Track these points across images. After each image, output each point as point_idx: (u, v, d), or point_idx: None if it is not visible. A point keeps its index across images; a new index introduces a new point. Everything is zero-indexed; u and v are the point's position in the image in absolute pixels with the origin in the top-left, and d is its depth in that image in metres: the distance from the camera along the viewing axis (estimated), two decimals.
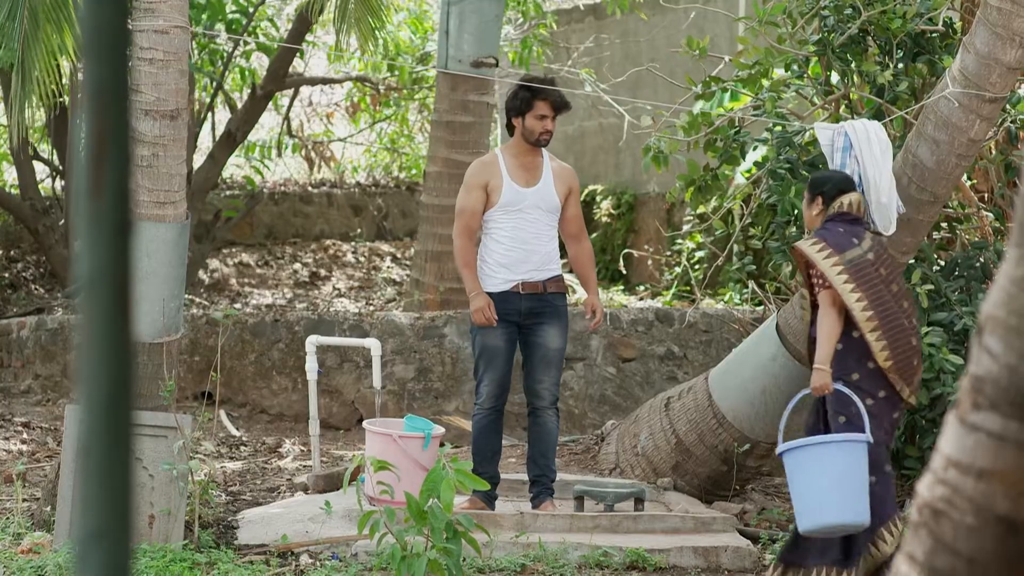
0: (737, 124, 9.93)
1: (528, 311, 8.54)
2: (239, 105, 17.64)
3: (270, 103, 17.14)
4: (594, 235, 16.90)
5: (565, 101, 8.62)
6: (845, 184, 7.97)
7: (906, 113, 9.11)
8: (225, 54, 16.93)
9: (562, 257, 9.07)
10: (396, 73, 18.17)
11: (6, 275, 16.10)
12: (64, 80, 9.75)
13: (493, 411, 8.61)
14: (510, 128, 8.66)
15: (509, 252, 8.53)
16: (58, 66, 9.30)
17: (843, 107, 9.77)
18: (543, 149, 8.66)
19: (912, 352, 7.75)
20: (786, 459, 7.57)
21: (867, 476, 7.48)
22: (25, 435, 11.18)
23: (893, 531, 7.70)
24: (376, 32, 11.75)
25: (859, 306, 7.63)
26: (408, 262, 17.37)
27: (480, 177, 8.57)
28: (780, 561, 7.75)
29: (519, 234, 8.53)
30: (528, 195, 8.52)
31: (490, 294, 8.53)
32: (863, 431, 7.55)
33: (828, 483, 7.39)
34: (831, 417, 7.74)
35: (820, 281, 7.69)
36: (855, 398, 7.60)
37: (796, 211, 9.24)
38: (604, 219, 17.40)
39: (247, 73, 17.83)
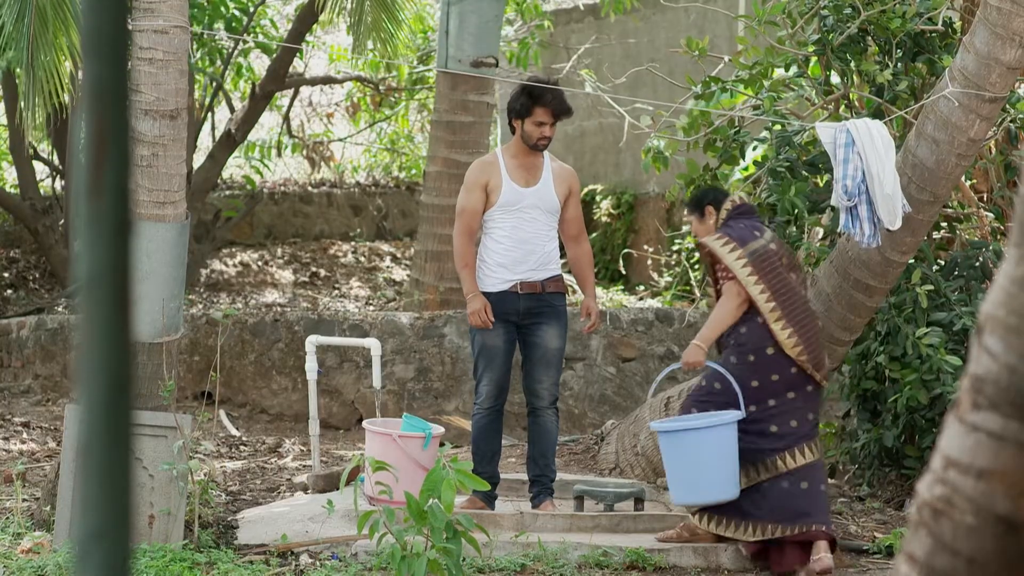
0: (737, 124, 9.93)
1: (526, 311, 8.54)
2: (239, 105, 17.64)
3: (270, 103, 17.14)
4: (594, 235, 16.90)
5: (566, 107, 8.59)
6: (723, 189, 8.63)
7: (906, 113, 9.11)
8: (226, 53, 16.92)
9: (562, 258, 9.05)
10: (395, 74, 18.16)
11: (6, 275, 16.10)
12: (65, 80, 9.74)
13: (492, 411, 8.60)
14: (512, 128, 8.67)
15: (508, 252, 8.53)
16: (58, 66, 9.30)
17: (843, 107, 9.77)
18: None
19: (818, 334, 8.12)
20: (662, 438, 7.99)
21: (737, 451, 7.87)
22: (25, 435, 11.19)
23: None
24: (395, 35, 11.77)
25: (763, 297, 7.97)
26: (408, 262, 17.37)
27: (480, 177, 8.57)
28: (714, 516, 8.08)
29: (518, 234, 8.53)
30: (527, 195, 8.52)
31: (488, 294, 8.52)
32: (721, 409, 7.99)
33: (709, 465, 7.83)
34: (686, 401, 8.21)
35: (725, 274, 8.04)
36: (731, 380, 7.92)
37: (796, 210, 9.25)
38: (604, 219, 17.39)
39: (245, 70, 17.82)
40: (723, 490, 7.87)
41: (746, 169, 11.04)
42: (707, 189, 8.61)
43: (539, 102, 8.51)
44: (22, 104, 9.76)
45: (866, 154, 8.32)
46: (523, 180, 8.54)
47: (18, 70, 13.59)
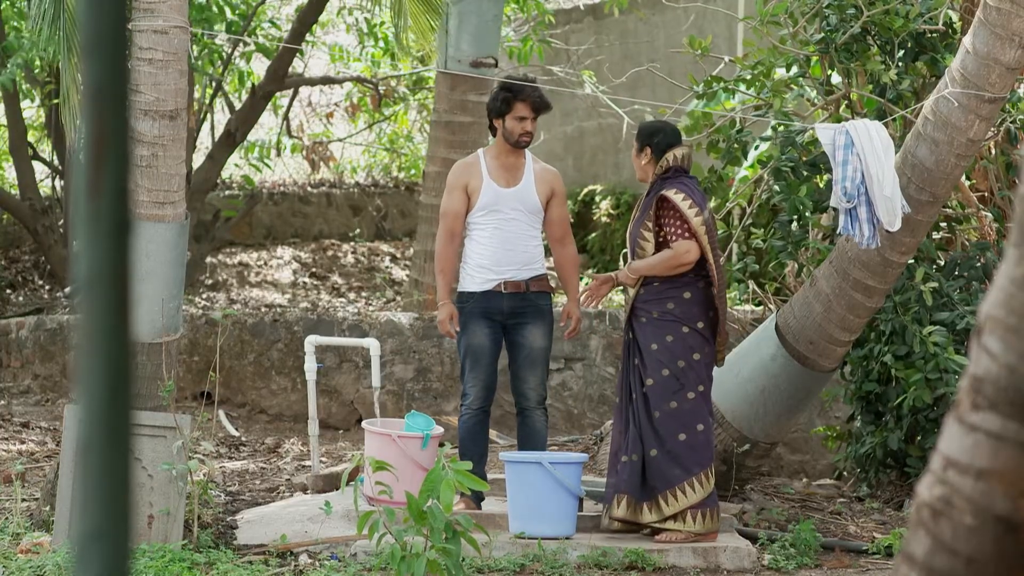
0: (739, 124, 9.92)
1: (510, 310, 8.57)
2: (238, 105, 17.64)
3: (270, 103, 17.13)
4: (594, 235, 16.90)
5: (545, 102, 8.66)
6: (674, 138, 8.38)
7: (908, 112, 9.11)
8: (225, 54, 16.92)
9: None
10: (402, 76, 18.16)
11: (6, 275, 16.09)
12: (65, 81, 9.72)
13: (480, 412, 8.60)
14: (492, 129, 8.74)
15: (490, 253, 8.56)
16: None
17: (843, 107, 9.76)
18: (527, 151, 8.71)
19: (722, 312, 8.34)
20: (508, 468, 8.28)
21: (578, 492, 8.21)
22: (25, 435, 11.19)
23: (703, 482, 8.17)
24: (434, 28, 11.73)
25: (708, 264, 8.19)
26: (407, 262, 17.36)
27: (460, 179, 8.64)
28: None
29: (500, 235, 8.57)
30: (508, 196, 8.56)
31: (472, 293, 8.57)
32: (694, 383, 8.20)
33: (545, 498, 8.11)
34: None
35: (679, 232, 8.14)
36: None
37: (801, 209, 9.26)
38: (604, 219, 17.39)
39: (246, 75, 17.81)
40: (562, 526, 8.15)
41: (752, 167, 11.03)
42: (661, 127, 8.48)
43: (519, 97, 8.57)
44: (61, 103, 9.76)
45: (865, 155, 8.32)
46: (504, 180, 8.59)
47: (14, 73, 13.59)
